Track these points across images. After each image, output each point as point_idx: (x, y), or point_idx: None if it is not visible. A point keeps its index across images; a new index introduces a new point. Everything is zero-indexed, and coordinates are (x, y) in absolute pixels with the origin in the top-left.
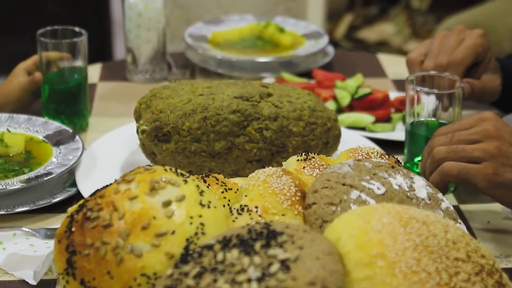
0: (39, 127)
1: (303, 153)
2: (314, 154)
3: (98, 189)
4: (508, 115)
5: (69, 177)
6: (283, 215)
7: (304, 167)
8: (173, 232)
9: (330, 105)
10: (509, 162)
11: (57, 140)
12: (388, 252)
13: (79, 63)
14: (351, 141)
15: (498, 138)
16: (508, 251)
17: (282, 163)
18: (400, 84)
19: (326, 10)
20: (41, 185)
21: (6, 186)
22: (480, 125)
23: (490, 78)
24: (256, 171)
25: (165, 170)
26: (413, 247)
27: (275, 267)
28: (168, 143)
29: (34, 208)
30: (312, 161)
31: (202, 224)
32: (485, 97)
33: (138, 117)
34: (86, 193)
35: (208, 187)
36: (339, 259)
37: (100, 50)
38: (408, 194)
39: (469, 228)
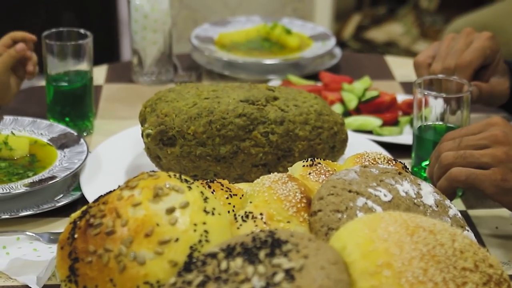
0: (44, 130)
1: (309, 159)
2: (321, 158)
3: (101, 195)
4: None
5: (73, 180)
6: (288, 222)
7: (310, 173)
8: (177, 240)
9: (337, 108)
10: None
11: (62, 143)
12: (394, 262)
13: (84, 65)
14: (358, 145)
15: (506, 143)
16: None
17: (288, 168)
18: (408, 87)
19: (333, 10)
20: (45, 189)
21: (10, 190)
22: (489, 130)
23: (499, 81)
24: (261, 177)
25: (169, 176)
26: (420, 256)
27: (279, 276)
28: (173, 147)
29: (38, 212)
30: (318, 167)
31: (206, 231)
32: (493, 100)
33: (143, 121)
34: (90, 197)
35: (212, 192)
36: (344, 268)
37: (108, 50)
38: (415, 201)
39: (477, 233)
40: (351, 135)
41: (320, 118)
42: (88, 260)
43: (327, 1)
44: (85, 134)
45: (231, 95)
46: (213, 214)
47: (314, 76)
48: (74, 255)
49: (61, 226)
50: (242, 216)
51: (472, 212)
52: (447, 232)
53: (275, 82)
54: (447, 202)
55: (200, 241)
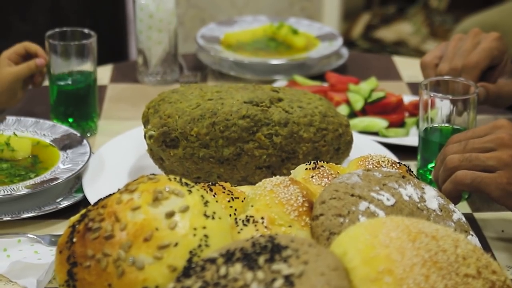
0: (47, 130)
1: (312, 162)
2: (325, 160)
3: (101, 199)
4: None
5: (76, 182)
6: (289, 226)
7: (312, 176)
8: (176, 244)
9: (343, 109)
10: None
11: (65, 144)
12: (395, 268)
13: (88, 65)
14: (364, 146)
15: None
16: None
17: (291, 171)
18: (415, 87)
19: (342, 9)
20: (47, 191)
21: (11, 191)
22: (495, 133)
23: (506, 82)
24: (263, 180)
25: (169, 179)
26: (422, 263)
27: (278, 282)
28: (176, 148)
29: (40, 214)
30: (320, 170)
31: (206, 236)
32: (500, 101)
33: (146, 122)
34: (92, 199)
35: (214, 195)
36: (344, 275)
37: (115, 50)
38: (419, 205)
39: (482, 237)
40: (357, 137)
41: (324, 119)
42: (87, 265)
43: (335, 0)
44: (88, 134)
45: (235, 96)
46: (213, 218)
47: (320, 77)
48: (72, 259)
49: (63, 228)
50: (243, 220)
51: (478, 215)
52: (449, 238)
53: (281, 82)
54: (451, 206)
55: (199, 245)
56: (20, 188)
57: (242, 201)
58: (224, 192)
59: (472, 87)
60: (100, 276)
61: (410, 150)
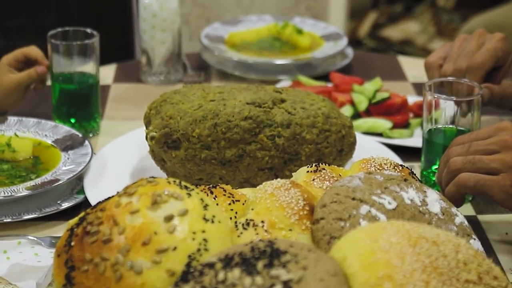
0: (48, 131)
1: (314, 164)
2: (328, 162)
3: (99, 201)
4: None
5: (77, 183)
6: (290, 230)
7: (313, 179)
8: (175, 248)
9: (347, 109)
10: None
11: (66, 145)
12: (395, 274)
13: (90, 65)
14: (368, 147)
15: None
16: None
17: (292, 174)
18: (420, 88)
19: (348, 8)
20: (48, 192)
21: (12, 193)
22: (498, 135)
23: (511, 83)
24: (264, 183)
25: (169, 182)
26: (422, 268)
27: None
28: (178, 150)
29: (41, 215)
30: (322, 173)
31: (205, 239)
32: (505, 102)
33: (147, 123)
34: (93, 200)
35: (215, 198)
36: (344, 280)
37: (122, 48)
38: (421, 209)
39: (486, 239)
40: (361, 138)
41: (327, 121)
42: (85, 269)
43: None
44: (91, 135)
45: (238, 97)
46: (212, 222)
47: (325, 77)
48: (70, 263)
49: (63, 230)
50: (243, 224)
51: (482, 218)
52: (450, 243)
53: (285, 82)
54: (454, 209)
55: (198, 249)
56: (21, 190)
57: (243, 204)
58: (224, 195)
59: (476, 88)
60: (98, 280)
61: (414, 151)
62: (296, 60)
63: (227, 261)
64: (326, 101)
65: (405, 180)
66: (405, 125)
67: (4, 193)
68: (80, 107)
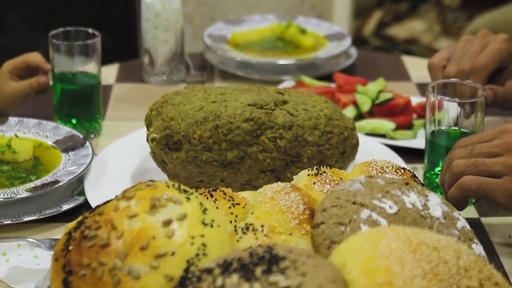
0: (49, 132)
1: (315, 167)
2: (330, 164)
3: (98, 205)
4: None
5: (78, 184)
6: (290, 234)
7: (314, 183)
8: (173, 253)
9: (350, 110)
10: None
11: (67, 146)
12: (395, 280)
13: (92, 65)
14: (370, 149)
15: None
16: None
17: (293, 177)
18: (424, 88)
19: (352, 7)
20: (49, 193)
21: (12, 194)
22: (501, 137)
23: None
24: (264, 187)
25: (167, 186)
26: (422, 275)
27: None
28: (179, 151)
29: (41, 217)
30: (323, 176)
31: (204, 244)
32: (508, 104)
33: (148, 124)
34: (94, 202)
35: (215, 201)
36: (343, 287)
37: (126, 48)
38: (422, 213)
39: (489, 242)
40: (364, 139)
41: (330, 122)
42: (82, 274)
43: None
44: (92, 136)
45: (239, 98)
46: (211, 226)
47: (328, 77)
48: (68, 268)
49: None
50: (242, 228)
51: (485, 220)
52: (451, 249)
53: (288, 83)
54: (455, 213)
55: (197, 254)
56: (21, 191)
57: (243, 207)
58: (224, 198)
59: (480, 89)
60: (96, 285)
61: (417, 152)
62: (299, 60)
63: (226, 267)
64: (329, 102)
65: (407, 184)
66: (409, 126)
67: (4, 194)
68: (81, 107)
